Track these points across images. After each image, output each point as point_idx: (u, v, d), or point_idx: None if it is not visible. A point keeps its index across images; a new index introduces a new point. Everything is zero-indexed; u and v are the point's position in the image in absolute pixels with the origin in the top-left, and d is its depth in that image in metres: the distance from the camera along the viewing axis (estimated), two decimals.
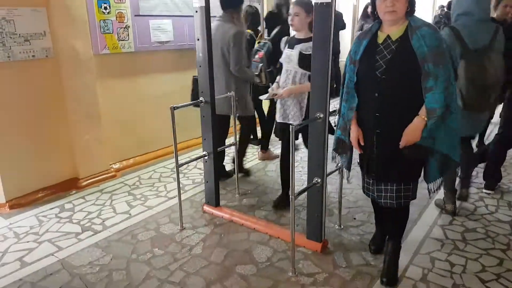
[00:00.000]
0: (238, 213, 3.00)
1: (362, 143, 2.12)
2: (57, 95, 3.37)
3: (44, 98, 3.31)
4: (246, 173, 3.81)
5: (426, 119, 1.91)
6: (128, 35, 3.85)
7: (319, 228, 2.51)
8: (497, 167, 3.42)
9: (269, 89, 2.94)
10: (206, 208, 3.08)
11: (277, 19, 3.98)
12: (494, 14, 3.13)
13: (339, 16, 6.71)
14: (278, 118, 2.94)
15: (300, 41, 2.77)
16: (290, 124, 2.55)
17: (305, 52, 2.69)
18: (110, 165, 3.88)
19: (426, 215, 3.01)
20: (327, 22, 2.15)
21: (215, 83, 2.87)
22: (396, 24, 1.94)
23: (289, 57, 2.78)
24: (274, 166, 4.05)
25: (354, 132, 2.13)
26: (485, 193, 3.36)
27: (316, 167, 2.41)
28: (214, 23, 3.08)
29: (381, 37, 1.99)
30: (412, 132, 1.95)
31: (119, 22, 3.76)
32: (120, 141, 3.98)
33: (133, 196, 3.42)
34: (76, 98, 3.46)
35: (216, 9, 3.11)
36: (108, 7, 3.65)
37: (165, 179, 3.78)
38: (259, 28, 4.43)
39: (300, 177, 3.66)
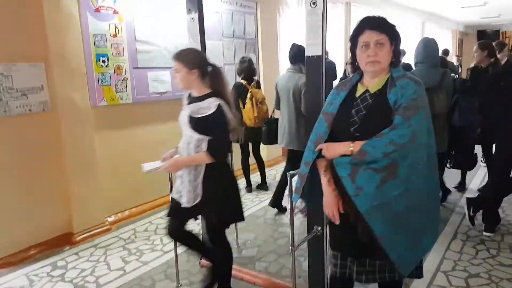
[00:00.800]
0: (237, 266, 2.92)
1: (341, 211, 1.73)
2: (54, 148, 3.37)
3: (41, 152, 3.30)
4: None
5: (352, 149, 1.59)
6: (126, 87, 3.93)
7: (321, 280, 2.44)
8: (494, 211, 3.42)
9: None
10: (204, 262, 2.99)
11: None
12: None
13: (331, 65, 6.72)
14: (173, 192, 2.40)
15: (193, 99, 2.28)
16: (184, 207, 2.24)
17: (195, 116, 2.17)
18: (105, 218, 3.81)
19: (428, 261, 2.95)
20: (318, 74, 2.22)
21: (284, 122, 3.79)
22: (378, 76, 1.70)
23: (181, 118, 2.28)
24: (273, 213, 4.00)
25: (329, 197, 1.74)
26: (486, 235, 3.32)
27: (317, 214, 2.38)
28: (285, 74, 3.86)
29: (359, 90, 1.74)
30: (336, 145, 1.67)
31: (117, 74, 3.85)
32: (116, 192, 3.93)
33: (128, 250, 3.33)
34: (73, 151, 3.46)
35: None
36: (106, 61, 3.75)
37: (161, 231, 3.71)
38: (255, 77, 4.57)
39: (300, 224, 3.60)
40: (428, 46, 3.45)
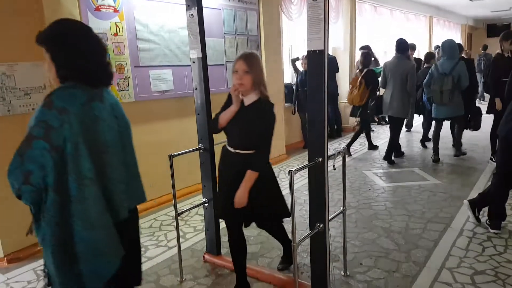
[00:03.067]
0: None
1: None
2: None
3: None
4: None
5: None
6: (128, 85, 3.95)
7: (324, 276, 2.43)
8: (501, 206, 3.37)
9: None
10: (207, 257, 3.01)
11: None
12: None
13: (332, 59, 7.15)
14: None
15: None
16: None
17: None
18: None
19: (433, 258, 2.93)
20: (321, 68, 2.21)
21: (390, 96, 5.41)
22: None
23: None
24: None
25: None
26: (493, 233, 3.28)
27: (318, 211, 2.37)
28: (393, 60, 5.47)
29: None
30: None
31: (119, 73, 3.86)
32: None
33: None
34: None
35: None
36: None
37: (166, 227, 3.73)
38: None
39: (304, 220, 3.60)
40: (449, 46, 5.28)
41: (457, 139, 5.88)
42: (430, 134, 6.08)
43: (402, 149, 6.16)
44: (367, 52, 6.16)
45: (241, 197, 2.30)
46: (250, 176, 2.29)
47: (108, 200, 1.62)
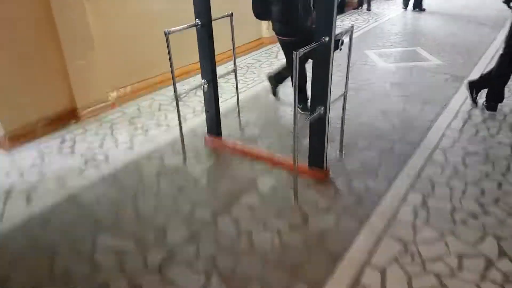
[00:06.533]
0: (241, 143, 3.00)
1: None
2: (44, 21, 3.16)
3: (31, 25, 3.11)
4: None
5: None
6: None
7: (321, 157, 2.52)
8: (501, 87, 3.36)
9: None
10: (208, 138, 3.06)
11: None
12: None
13: None
14: None
15: None
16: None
17: None
18: (108, 93, 3.78)
19: (427, 138, 3.01)
20: None
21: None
22: None
23: None
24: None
25: None
26: (488, 114, 3.33)
27: (320, 95, 2.34)
28: None
29: None
30: None
31: None
32: (116, 66, 3.84)
33: (134, 126, 3.38)
34: (65, 24, 3.26)
35: None
36: None
37: (165, 107, 3.72)
38: None
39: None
40: None
41: None
42: None
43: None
44: None
45: None
46: None
47: None
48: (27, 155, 3.00)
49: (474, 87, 3.51)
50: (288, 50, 3.23)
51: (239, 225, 2.22)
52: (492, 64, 3.50)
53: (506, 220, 2.17)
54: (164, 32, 2.48)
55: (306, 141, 2.60)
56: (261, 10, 3.18)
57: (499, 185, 2.47)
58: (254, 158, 2.83)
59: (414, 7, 7.44)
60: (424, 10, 7.37)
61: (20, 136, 3.19)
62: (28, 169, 2.81)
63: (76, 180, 2.67)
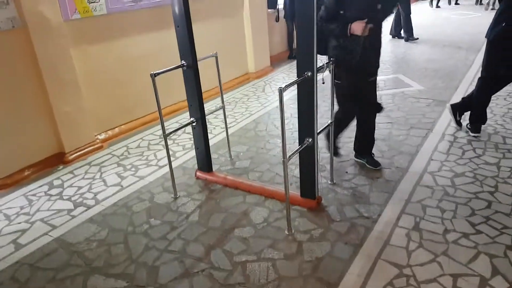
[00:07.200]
0: (232, 176, 3.00)
1: None
2: (31, 67, 3.21)
3: (18, 71, 3.14)
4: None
5: None
6: None
7: (312, 186, 2.53)
8: (483, 109, 3.45)
9: None
10: (199, 174, 3.06)
11: None
12: None
13: None
14: None
15: None
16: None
17: None
18: (96, 136, 3.79)
19: (415, 163, 3.05)
20: None
21: None
22: None
23: None
24: (264, 126, 4.02)
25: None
26: (473, 136, 3.40)
27: (307, 126, 2.38)
28: None
29: None
30: None
31: None
32: (103, 109, 3.87)
33: (123, 167, 3.37)
34: (51, 69, 3.30)
35: None
36: None
37: (154, 146, 3.73)
38: None
39: (291, 134, 3.63)
40: None
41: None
42: None
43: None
44: None
45: None
46: None
47: None
48: (15, 202, 2.95)
49: (457, 109, 3.61)
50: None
51: (233, 258, 2.19)
52: (473, 87, 3.62)
53: (497, 238, 2.18)
54: (150, 74, 2.54)
55: (297, 170, 2.61)
56: None
57: (489, 204, 2.49)
58: (246, 190, 2.83)
59: (406, 40, 7.45)
60: (416, 39, 7.35)
61: (8, 184, 3.15)
62: (16, 216, 2.76)
63: (65, 223, 2.63)
